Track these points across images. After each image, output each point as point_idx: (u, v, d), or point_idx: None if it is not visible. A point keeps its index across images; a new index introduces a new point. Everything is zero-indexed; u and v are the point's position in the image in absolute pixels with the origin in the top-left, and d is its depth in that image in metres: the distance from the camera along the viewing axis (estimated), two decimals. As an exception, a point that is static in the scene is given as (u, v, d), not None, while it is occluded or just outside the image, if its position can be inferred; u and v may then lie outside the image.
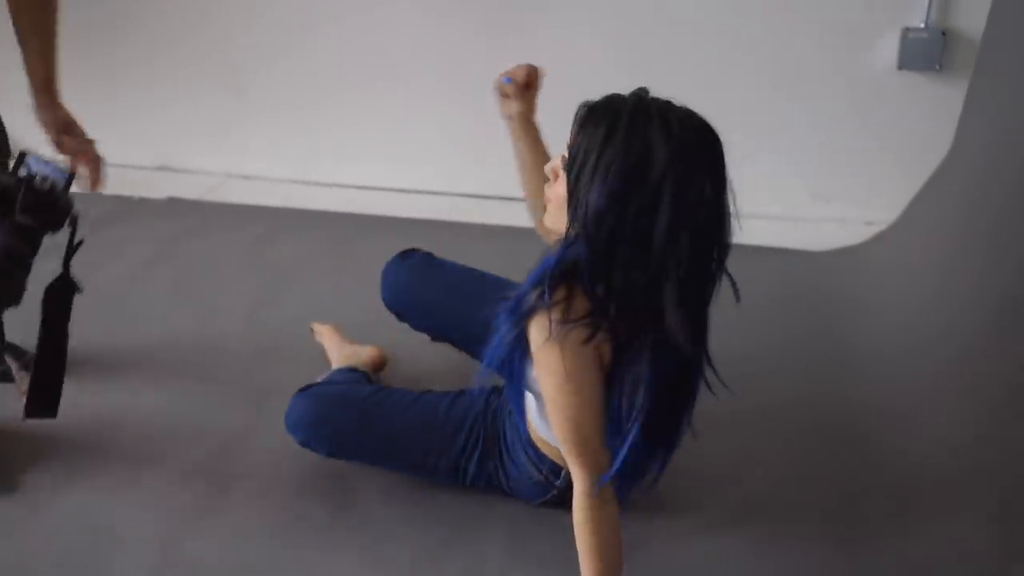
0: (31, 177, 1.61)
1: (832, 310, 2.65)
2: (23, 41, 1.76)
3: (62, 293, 1.70)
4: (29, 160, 1.66)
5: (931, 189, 2.96)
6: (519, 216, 1.89)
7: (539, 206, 1.58)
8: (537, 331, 1.39)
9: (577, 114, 1.40)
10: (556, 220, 1.43)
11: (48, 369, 1.69)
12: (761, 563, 1.72)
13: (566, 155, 1.40)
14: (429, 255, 2.08)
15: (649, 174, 1.29)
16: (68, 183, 1.68)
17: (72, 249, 1.68)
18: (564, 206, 1.38)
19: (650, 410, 1.43)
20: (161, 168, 3.35)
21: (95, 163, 1.83)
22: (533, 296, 1.39)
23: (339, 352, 2.21)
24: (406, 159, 3.33)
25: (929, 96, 3.17)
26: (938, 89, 3.16)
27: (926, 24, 3.10)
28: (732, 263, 1.42)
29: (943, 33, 3.09)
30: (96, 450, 1.64)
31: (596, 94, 1.43)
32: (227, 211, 3.07)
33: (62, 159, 1.77)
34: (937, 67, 3.13)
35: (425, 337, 2.11)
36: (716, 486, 1.89)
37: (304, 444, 1.84)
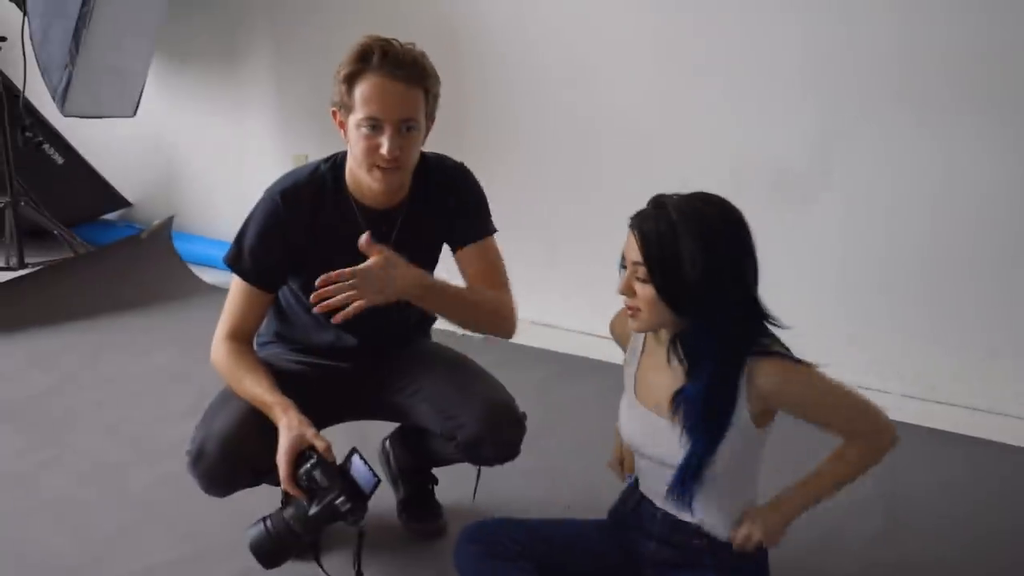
0: (338, 496, 1.63)
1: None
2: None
3: None
4: (354, 458, 1.68)
5: None
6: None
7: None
8: (774, 370, 1.69)
9: (636, 230, 1.70)
10: (652, 318, 1.72)
11: None
12: None
13: (634, 266, 1.70)
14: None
15: (718, 239, 1.68)
16: (371, 493, 1.69)
17: (359, 559, 1.72)
18: (656, 304, 1.69)
19: None
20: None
21: None
22: (728, 365, 1.69)
23: None
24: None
25: None
26: None
27: None
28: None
29: None
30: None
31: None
32: (526, 352, 3.49)
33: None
34: None
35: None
36: None
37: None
